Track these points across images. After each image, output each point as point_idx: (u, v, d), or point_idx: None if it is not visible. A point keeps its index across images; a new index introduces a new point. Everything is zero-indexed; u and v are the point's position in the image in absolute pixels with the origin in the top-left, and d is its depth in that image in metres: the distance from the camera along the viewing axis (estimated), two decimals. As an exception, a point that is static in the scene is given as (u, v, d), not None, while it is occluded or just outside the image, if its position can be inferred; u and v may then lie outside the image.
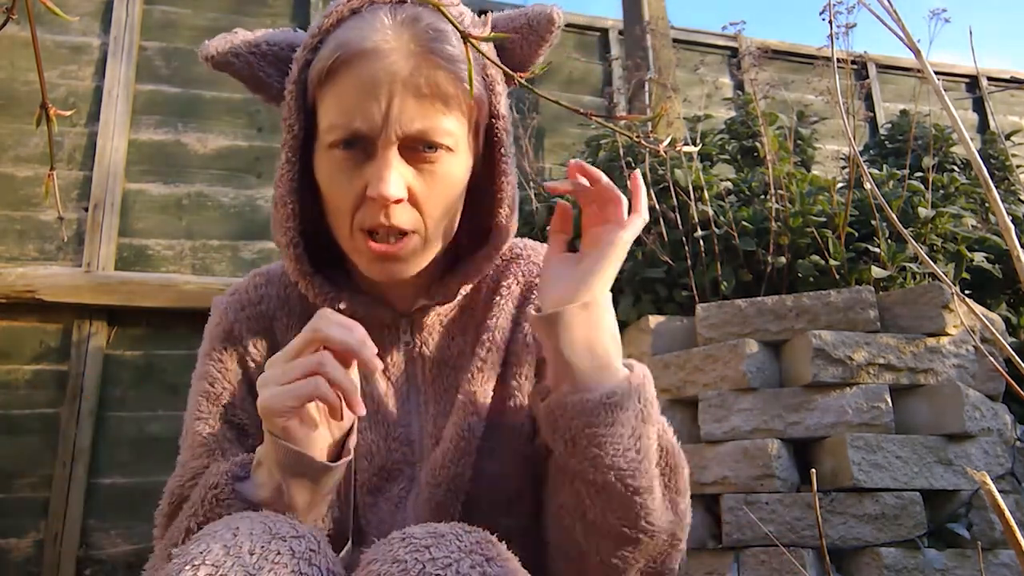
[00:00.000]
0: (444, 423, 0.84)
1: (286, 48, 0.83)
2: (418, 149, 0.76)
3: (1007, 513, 0.49)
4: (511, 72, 0.41)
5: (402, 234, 0.77)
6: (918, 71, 3.76)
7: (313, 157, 0.81)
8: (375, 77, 0.74)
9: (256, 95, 0.86)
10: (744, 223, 2.30)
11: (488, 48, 0.82)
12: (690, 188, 2.35)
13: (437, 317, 0.88)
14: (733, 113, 3.38)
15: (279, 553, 0.59)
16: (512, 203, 0.85)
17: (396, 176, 0.74)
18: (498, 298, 0.89)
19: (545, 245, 0.94)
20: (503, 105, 0.83)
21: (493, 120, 0.83)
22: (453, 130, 0.77)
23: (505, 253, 0.92)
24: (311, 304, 0.86)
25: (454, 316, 0.89)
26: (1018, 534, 0.49)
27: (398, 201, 0.75)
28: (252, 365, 0.86)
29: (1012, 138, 3.66)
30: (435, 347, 0.88)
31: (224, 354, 0.86)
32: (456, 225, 0.84)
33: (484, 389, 0.83)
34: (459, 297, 0.88)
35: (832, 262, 2.17)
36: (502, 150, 0.83)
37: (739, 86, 4.07)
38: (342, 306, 0.83)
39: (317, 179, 0.80)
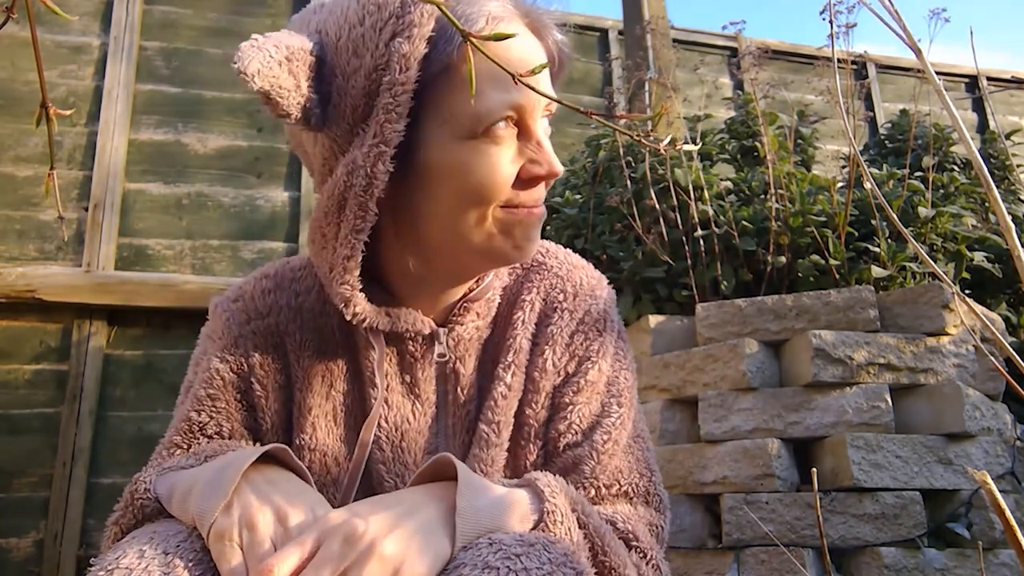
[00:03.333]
0: (467, 454, 0.79)
1: (304, 53, 0.69)
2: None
3: (1007, 513, 0.49)
4: (511, 72, 0.41)
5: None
6: (918, 71, 3.76)
7: (417, 152, 0.72)
8: (523, 49, 0.73)
9: (275, 112, 0.69)
10: (744, 223, 2.30)
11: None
12: (690, 188, 2.34)
13: (476, 332, 0.82)
14: (733, 113, 3.37)
15: (195, 551, 0.59)
16: None
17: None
18: (519, 313, 0.83)
19: (569, 251, 0.92)
20: None
21: None
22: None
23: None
24: (324, 316, 0.81)
25: (489, 332, 0.84)
26: (1018, 534, 0.49)
27: None
28: (257, 387, 0.79)
29: (1012, 138, 3.65)
30: (470, 366, 0.82)
31: (218, 377, 0.78)
32: None
33: (507, 418, 0.79)
34: (494, 307, 0.84)
35: (832, 262, 2.17)
36: None
37: (739, 86, 4.07)
38: (383, 327, 0.76)
39: (435, 174, 0.71)
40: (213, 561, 0.59)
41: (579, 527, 0.67)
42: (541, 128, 0.74)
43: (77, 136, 3.15)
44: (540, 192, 0.75)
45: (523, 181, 0.73)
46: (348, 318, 0.75)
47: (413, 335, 0.79)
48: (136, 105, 3.25)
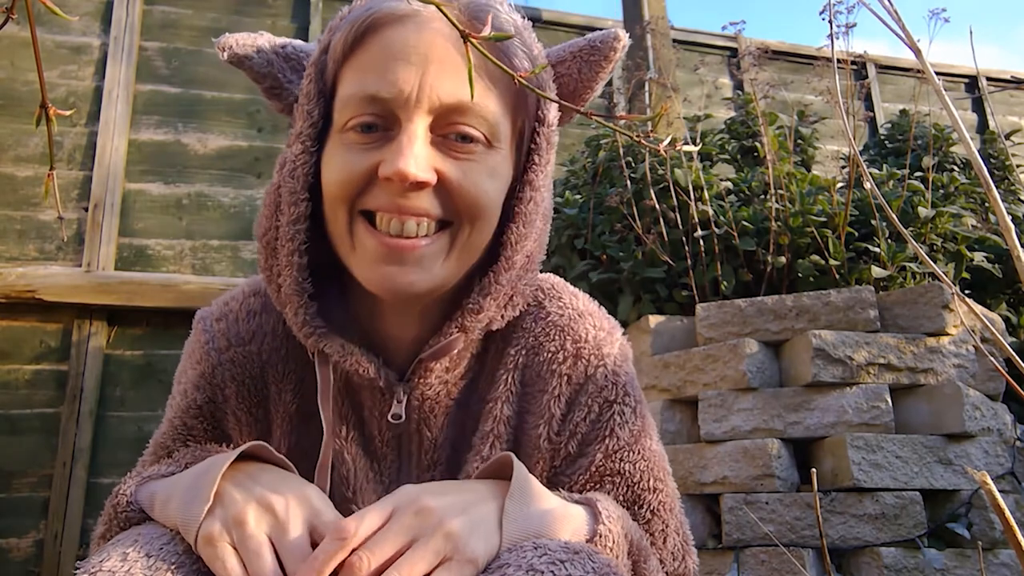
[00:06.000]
0: None
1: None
2: (449, 137, 0.64)
3: (1007, 513, 0.49)
4: (511, 71, 0.41)
5: (425, 233, 0.64)
6: (918, 71, 3.76)
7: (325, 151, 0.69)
8: (409, 41, 0.63)
9: (269, 100, 0.73)
10: (744, 223, 2.30)
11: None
12: (690, 188, 2.34)
13: (444, 387, 0.72)
14: (733, 113, 3.38)
15: (178, 553, 0.58)
16: (528, 220, 0.69)
17: (421, 152, 0.62)
18: (503, 372, 0.73)
19: (577, 292, 0.79)
20: (552, 111, 0.71)
21: (537, 124, 0.70)
22: (495, 118, 0.65)
23: (529, 299, 0.75)
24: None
25: (463, 386, 0.74)
26: (1018, 534, 0.49)
27: (421, 185, 0.62)
28: (231, 419, 0.74)
29: (1012, 138, 3.65)
30: (437, 425, 0.73)
31: (195, 406, 0.74)
32: (486, 241, 0.68)
33: None
34: (465, 359, 0.73)
35: (832, 262, 2.17)
36: (536, 157, 0.70)
37: (739, 86, 4.07)
38: (329, 350, 0.68)
39: (323, 172, 0.67)
40: (197, 563, 0.58)
41: (628, 556, 0.65)
42: (413, 128, 0.62)
43: (77, 136, 3.15)
44: (396, 200, 0.62)
45: (380, 188, 0.63)
46: (296, 330, 0.69)
47: (367, 384, 0.70)
48: (136, 105, 3.25)
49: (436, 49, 0.62)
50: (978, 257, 2.30)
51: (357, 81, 0.64)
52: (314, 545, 0.57)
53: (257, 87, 0.73)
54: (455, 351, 0.71)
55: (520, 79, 0.41)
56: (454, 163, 0.64)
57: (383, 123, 0.64)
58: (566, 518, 0.62)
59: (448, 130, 0.64)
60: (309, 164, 0.67)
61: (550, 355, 0.73)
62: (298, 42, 0.73)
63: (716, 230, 2.27)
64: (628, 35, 0.76)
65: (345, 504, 0.71)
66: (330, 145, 0.67)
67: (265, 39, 0.71)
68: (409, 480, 0.73)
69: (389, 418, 0.71)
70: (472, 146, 0.64)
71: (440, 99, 0.62)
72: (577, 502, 0.66)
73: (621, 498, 0.72)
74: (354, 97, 0.63)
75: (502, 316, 0.71)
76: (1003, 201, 2.87)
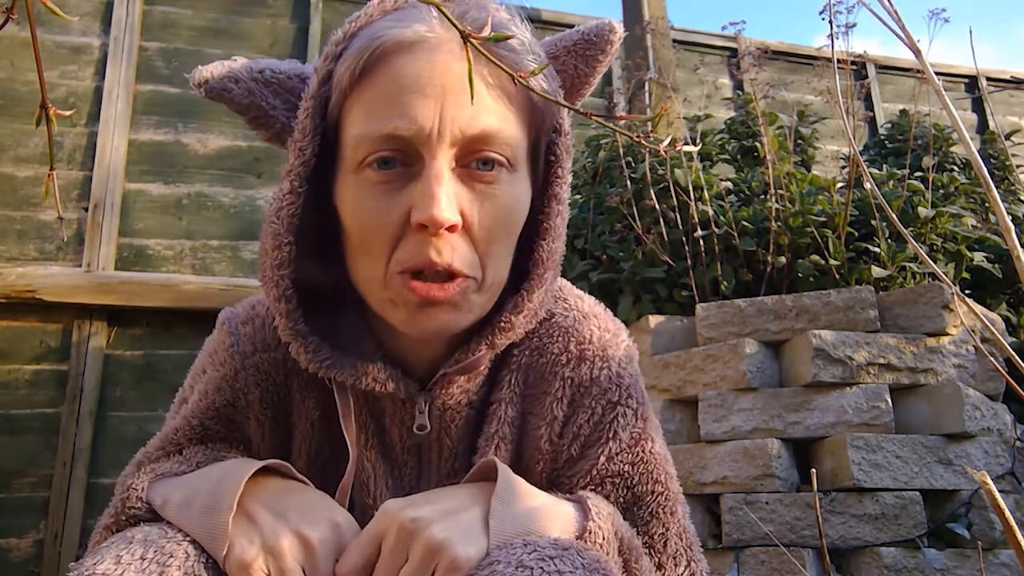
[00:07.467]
0: None
1: (293, 78, 0.69)
2: (470, 166, 0.62)
3: (1007, 513, 0.49)
4: (510, 71, 0.41)
5: (452, 276, 0.61)
6: (918, 71, 3.76)
7: (333, 186, 0.66)
8: (422, 72, 0.60)
9: (254, 130, 0.69)
10: (744, 223, 2.30)
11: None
12: (690, 188, 2.34)
13: (465, 395, 0.72)
14: (733, 113, 3.38)
15: (172, 556, 0.58)
16: (557, 234, 0.68)
17: (449, 194, 0.59)
18: (505, 372, 0.72)
19: (582, 294, 0.78)
20: (568, 119, 0.69)
21: (554, 135, 0.69)
22: (515, 140, 0.64)
23: (547, 307, 0.73)
24: None
25: (481, 393, 0.73)
26: (1018, 534, 0.49)
27: (452, 228, 0.60)
28: (253, 423, 0.73)
29: (1012, 138, 3.66)
30: (458, 434, 0.72)
31: (213, 408, 0.73)
32: (507, 272, 0.67)
33: None
34: (487, 368, 0.72)
35: (832, 262, 2.17)
36: (559, 170, 0.69)
37: (739, 86, 4.07)
38: (341, 378, 0.67)
39: (340, 212, 0.65)
40: (189, 566, 0.58)
41: (619, 554, 0.65)
42: (439, 166, 0.60)
43: (77, 136, 3.15)
44: (429, 252, 0.60)
45: (412, 238, 0.61)
46: (303, 366, 0.67)
47: (388, 395, 0.69)
48: (136, 105, 3.25)
49: (452, 77, 0.60)
50: (978, 257, 2.30)
51: (371, 118, 0.61)
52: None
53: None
54: (481, 367, 0.70)
55: (520, 79, 0.41)
56: (479, 203, 0.62)
57: (402, 157, 0.61)
58: (555, 515, 0.62)
59: (470, 158, 0.62)
60: (296, 205, 0.64)
61: (553, 356, 0.72)
62: (274, 63, 0.69)
63: (716, 230, 2.27)
64: (626, 32, 0.74)
65: (366, 511, 0.71)
66: (345, 182, 0.64)
67: (240, 65, 0.67)
68: (429, 487, 0.73)
69: (414, 429, 0.70)
70: (494, 173, 0.63)
71: (463, 131, 0.60)
72: (568, 500, 0.66)
73: (620, 499, 0.71)
74: (369, 136, 0.61)
75: (524, 327, 0.71)
76: (1003, 201, 2.87)
